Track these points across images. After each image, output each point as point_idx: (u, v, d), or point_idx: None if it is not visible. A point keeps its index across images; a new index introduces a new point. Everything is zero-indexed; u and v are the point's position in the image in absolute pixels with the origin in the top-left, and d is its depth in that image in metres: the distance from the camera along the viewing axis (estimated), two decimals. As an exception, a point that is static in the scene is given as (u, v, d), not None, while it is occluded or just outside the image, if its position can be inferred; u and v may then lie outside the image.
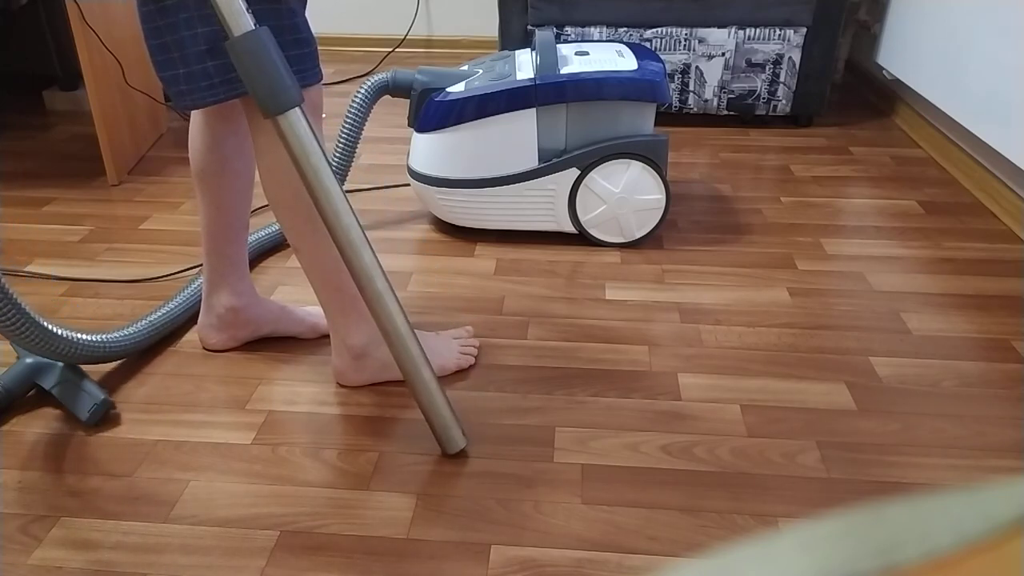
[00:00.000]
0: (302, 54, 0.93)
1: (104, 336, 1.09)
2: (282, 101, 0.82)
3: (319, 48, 0.95)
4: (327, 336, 1.25)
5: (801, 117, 2.19)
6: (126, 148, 1.88)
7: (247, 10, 0.80)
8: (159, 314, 1.22)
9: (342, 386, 1.14)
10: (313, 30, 0.94)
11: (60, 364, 1.09)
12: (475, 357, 1.19)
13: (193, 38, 0.87)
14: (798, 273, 1.44)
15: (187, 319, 1.26)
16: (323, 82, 0.99)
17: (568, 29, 2.10)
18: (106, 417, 1.07)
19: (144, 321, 1.19)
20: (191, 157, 1.10)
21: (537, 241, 1.55)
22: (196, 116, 1.07)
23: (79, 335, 1.04)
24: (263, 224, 1.54)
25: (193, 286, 1.29)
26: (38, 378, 1.09)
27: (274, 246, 1.53)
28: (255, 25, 0.80)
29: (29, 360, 1.09)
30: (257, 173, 1.01)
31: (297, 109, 0.84)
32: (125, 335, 1.13)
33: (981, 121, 1.68)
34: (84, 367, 1.12)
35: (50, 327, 0.97)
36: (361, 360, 1.11)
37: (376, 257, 0.91)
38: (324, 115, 2.37)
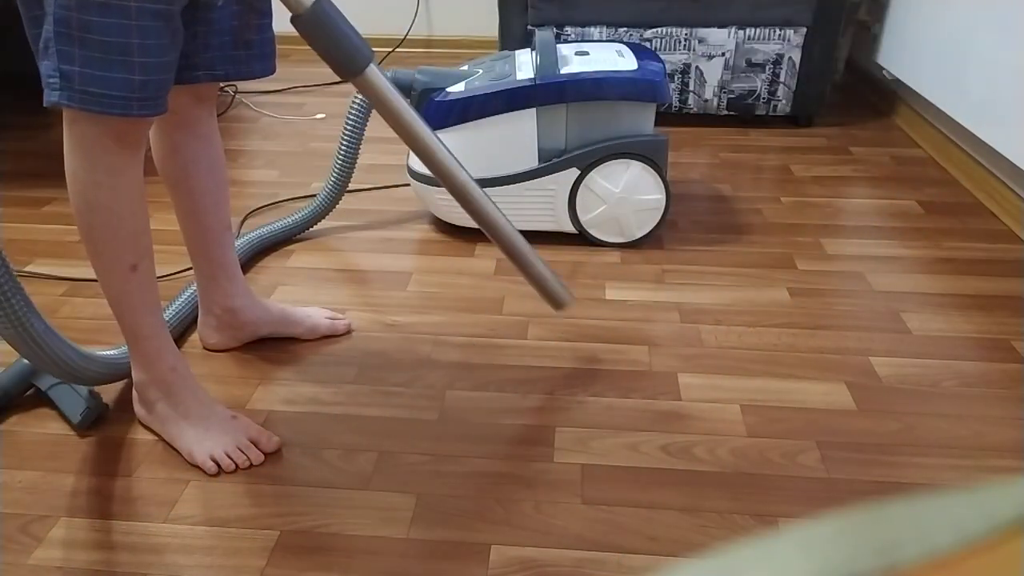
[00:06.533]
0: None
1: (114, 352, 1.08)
2: (358, 61, 0.89)
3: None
4: (327, 336, 1.25)
5: (801, 117, 2.19)
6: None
7: None
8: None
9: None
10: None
11: None
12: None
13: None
14: (798, 273, 1.44)
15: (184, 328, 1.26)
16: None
17: (568, 29, 2.10)
18: (102, 418, 1.07)
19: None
20: (156, 166, 1.07)
21: (537, 241, 1.54)
22: (154, 125, 1.03)
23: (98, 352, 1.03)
24: (261, 224, 1.54)
25: (186, 294, 1.28)
26: (35, 378, 1.09)
27: (271, 246, 1.53)
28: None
29: (26, 360, 1.09)
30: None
31: (372, 66, 0.91)
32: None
33: (981, 121, 1.68)
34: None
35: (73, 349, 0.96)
36: (147, 405, 1.03)
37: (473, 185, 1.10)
38: (324, 115, 2.38)
